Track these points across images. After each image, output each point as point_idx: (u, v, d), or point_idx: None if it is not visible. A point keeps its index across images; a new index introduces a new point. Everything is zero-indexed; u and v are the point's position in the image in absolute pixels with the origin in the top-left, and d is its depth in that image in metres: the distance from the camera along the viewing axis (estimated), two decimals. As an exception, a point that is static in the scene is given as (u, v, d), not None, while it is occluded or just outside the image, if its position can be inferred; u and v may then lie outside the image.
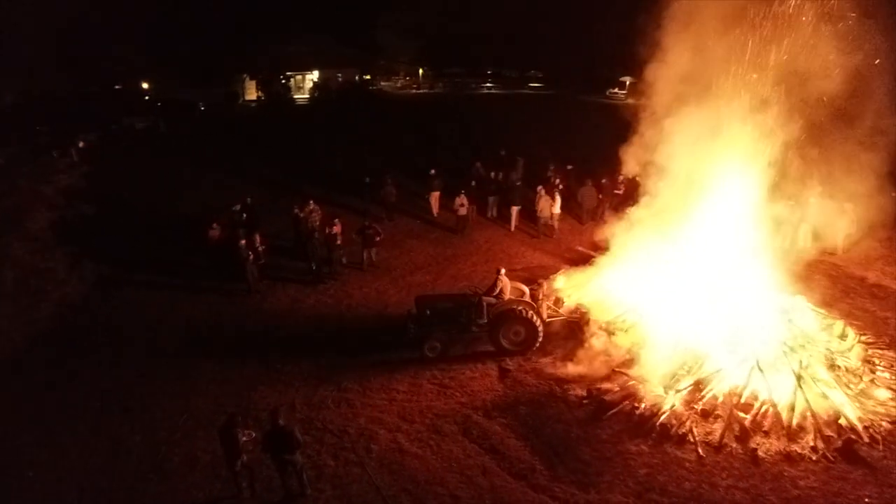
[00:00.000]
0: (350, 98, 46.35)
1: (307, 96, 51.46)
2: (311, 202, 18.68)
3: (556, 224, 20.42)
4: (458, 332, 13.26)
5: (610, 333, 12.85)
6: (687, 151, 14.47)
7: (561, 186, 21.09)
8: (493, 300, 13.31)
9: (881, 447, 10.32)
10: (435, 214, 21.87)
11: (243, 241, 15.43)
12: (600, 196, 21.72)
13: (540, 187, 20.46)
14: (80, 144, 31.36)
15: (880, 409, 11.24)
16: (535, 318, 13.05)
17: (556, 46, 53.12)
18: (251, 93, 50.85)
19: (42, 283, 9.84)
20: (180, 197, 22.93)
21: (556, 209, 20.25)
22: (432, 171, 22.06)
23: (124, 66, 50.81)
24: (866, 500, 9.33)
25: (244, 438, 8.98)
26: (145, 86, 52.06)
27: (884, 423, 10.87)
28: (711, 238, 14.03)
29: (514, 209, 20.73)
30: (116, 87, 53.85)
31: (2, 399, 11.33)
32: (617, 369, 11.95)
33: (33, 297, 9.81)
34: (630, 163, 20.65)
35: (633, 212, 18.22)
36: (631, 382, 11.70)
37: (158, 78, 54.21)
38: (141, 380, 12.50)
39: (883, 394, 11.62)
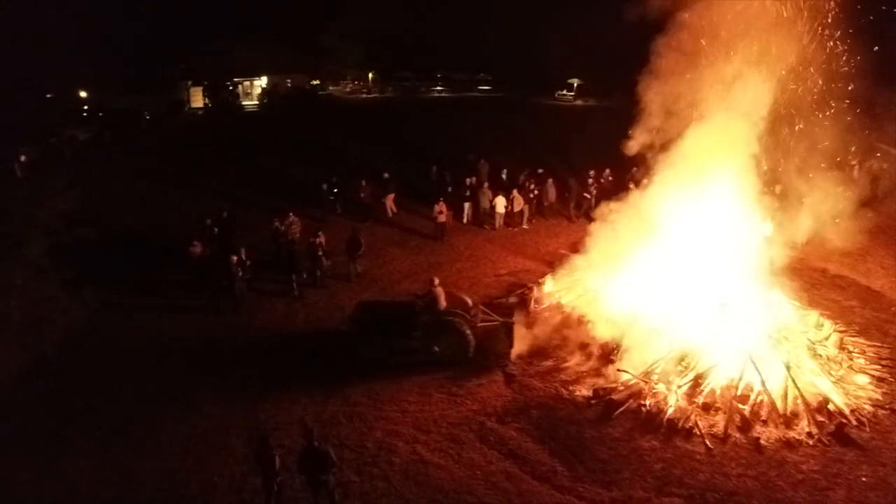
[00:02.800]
0: (301, 104, 45.82)
1: (256, 103, 50.48)
2: (291, 214, 18.47)
3: (497, 220, 21.60)
4: (395, 341, 13.28)
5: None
6: (663, 153, 15.13)
7: (537, 192, 21.71)
8: (427, 310, 13.35)
9: (868, 429, 11.13)
10: (391, 216, 22.52)
11: (235, 258, 15.14)
12: (566, 195, 22.57)
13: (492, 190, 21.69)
14: (22, 158, 29.89)
15: (861, 394, 12.12)
16: (466, 329, 13.10)
17: (503, 49, 53.96)
18: (197, 100, 49.41)
19: (46, 311, 9.42)
20: (156, 212, 22.30)
21: (500, 208, 21.35)
22: (386, 175, 22.56)
23: (56, 73, 48.58)
24: (863, 479, 10.06)
25: (280, 457, 8.92)
26: (83, 94, 49.81)
27: (866, 406, 11.73)
28: (692, 235, 14.73)
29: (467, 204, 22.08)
30: (48, 95, 51.45)
31: (2, 432, 10.81)
32: (620, 369, 12.39)
33: (39, 327, 9.38)
34: (602, 163, 21.66)
35: (611, 212, 18.94)
36: (633, 381, 12.17)
37: (94, 86, 52.05)
38: (141, 406, 12.11)
39: (861, 378, 12.52)
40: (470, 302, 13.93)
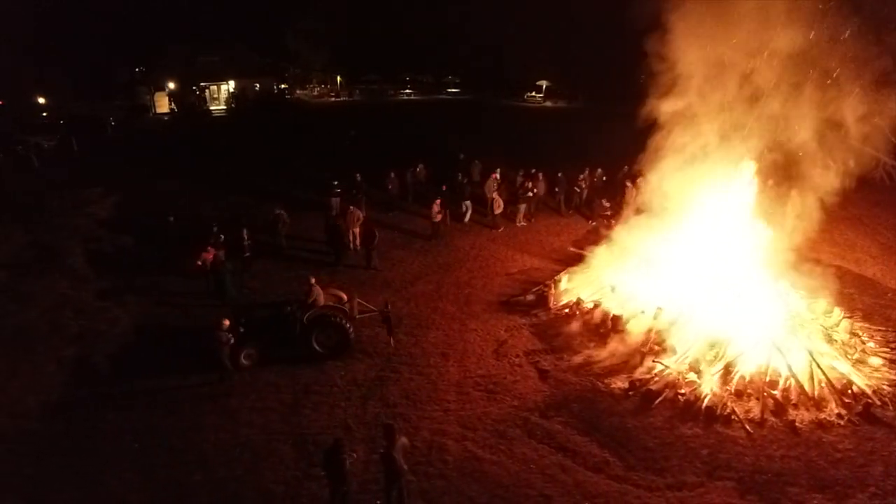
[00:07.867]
0: (270, 108, 45.17)
1: (224, 107, 49.50)
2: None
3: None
4: (274, 341, 13.52)
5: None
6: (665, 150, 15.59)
7: (535, 190, 22.01)
8: (306, 307, 13.69)
9: (892, 408, 11.75)
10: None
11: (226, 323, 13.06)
12: (556, 189, 23.04)
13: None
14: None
15: (877, 375, 12.77)
16: (345, 322, 13.60)
17: (471, 51, 54.41)
18: (163, 105, 48.18)
19: (96, 322, 9.11)
20: (168, 218, 21.70)
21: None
22: (358, 176, 22.52)
23: (8, 78, 46.72)
24: (896, 455, 10.65)
25: (350, 462, 8.87)
26: (41, 101, 47.95)
27: (885, 387, 12.37)
28: (701, 229, 15.26)
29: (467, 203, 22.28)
30: (0, 102, 49.54)
31: (42, 451, 10.40)
32: (655, 360, 12.73)
33: (93, 338, 9.06)
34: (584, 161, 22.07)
35: (609, 209, 19.39)
36: (667, 371, 12.52)
37: (51, 92, 50.28)
38: (175, 416, 11.81)
39: (875, 361, 13.18)
40: (345, 297, 14.39)
